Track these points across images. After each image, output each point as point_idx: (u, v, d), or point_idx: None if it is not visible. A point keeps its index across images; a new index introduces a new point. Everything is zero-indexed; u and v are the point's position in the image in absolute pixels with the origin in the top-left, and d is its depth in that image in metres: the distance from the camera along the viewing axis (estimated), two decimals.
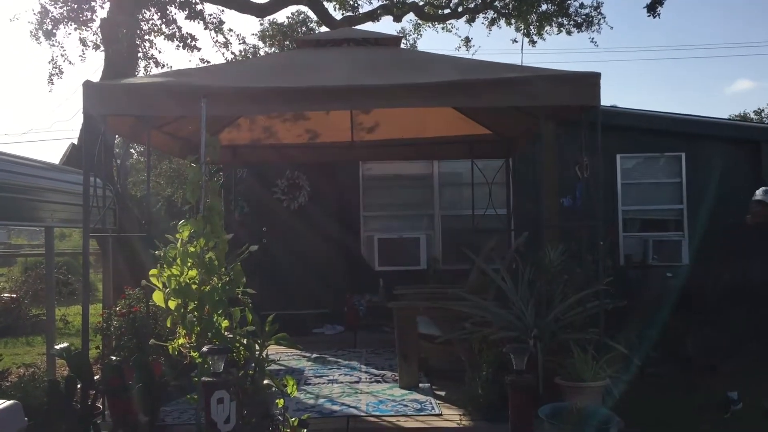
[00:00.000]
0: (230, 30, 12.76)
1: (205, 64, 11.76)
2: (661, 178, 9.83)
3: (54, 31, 10.69)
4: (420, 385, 6.10)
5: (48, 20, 10.61)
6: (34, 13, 10.65)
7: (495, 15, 14.02)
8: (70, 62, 11.20)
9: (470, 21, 14.32)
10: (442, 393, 5.87)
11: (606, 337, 4.90)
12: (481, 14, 14.12)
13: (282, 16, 16.70)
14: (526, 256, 5.70)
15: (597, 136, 4.94)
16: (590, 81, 4.85)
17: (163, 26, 11.63)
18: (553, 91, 4.87)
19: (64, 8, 10.57)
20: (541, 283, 5.09)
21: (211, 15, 12.20)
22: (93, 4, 10.65)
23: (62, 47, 11.07)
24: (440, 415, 5.23)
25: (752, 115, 36.97)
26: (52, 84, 11.16)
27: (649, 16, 11.30)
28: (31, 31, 10.71)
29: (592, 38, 13.75)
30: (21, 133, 77.38)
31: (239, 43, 13.56)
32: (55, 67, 11.02)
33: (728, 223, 6.92)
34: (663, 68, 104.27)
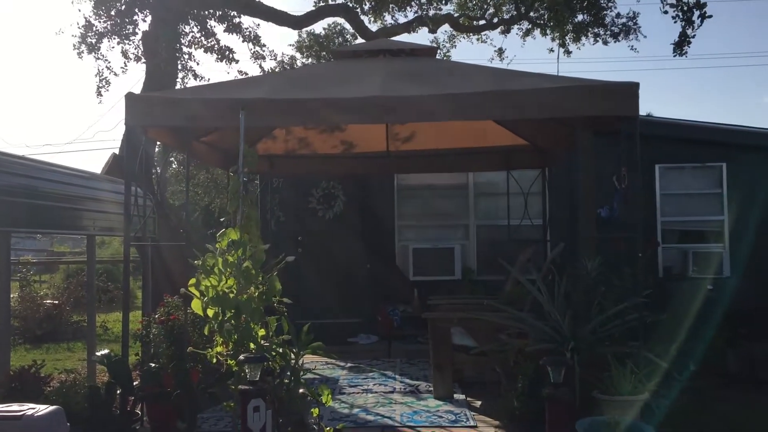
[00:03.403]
0: (264, 46, 12.90)
1: (243, 76, 11.93)
2: (701, 189, 9.64)
3: (98, 45, 10.94)
4: (455, 396, 6.07)
5: (92, 34, 10.86)
6: (79, 27, 10.92)
7: (530, 26, 13.95)
8: (116, 74, 11.42)
9: (505, 32, 14.27)
10: (477, 404, 5.84)
11: (645, 351, 4.82)
12: (516, 25, 14.06)
13: (319, 27, 16.83)
14: (563, 267, 5.64)
15: (635, 146, 4.88)
16: (628, 91, 4.79)
17: (203, 39, 11.83)
18: (591, 102, 4.83)
19: (108, 22, 10.83)
20: (578, 294, 5.03)
21: (248, 28, 12.39)
22: (135, 17, 10.89)
23: (107, 60, 11.31)
24: (475, 427, 5.20)
25: None
26: (101, 96, 11.43)
27: (675, 55, 11.02)
28: (74, 44, 10.96)
29: (632, 46, 13.65)
30: (65, 143, 79.32)
31: (270, 59, 13.72)
32: (102, 80, 11.30)
33: None
34: (703, 76, 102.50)
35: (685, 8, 9.89)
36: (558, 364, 4.33)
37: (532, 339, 5.12)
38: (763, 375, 6.76)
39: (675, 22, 10.13)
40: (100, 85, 11.27)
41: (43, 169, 6.16)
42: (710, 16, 9.64)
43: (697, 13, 9.73)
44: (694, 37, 10.12)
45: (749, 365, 6.85)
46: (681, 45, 10.55)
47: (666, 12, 10.11)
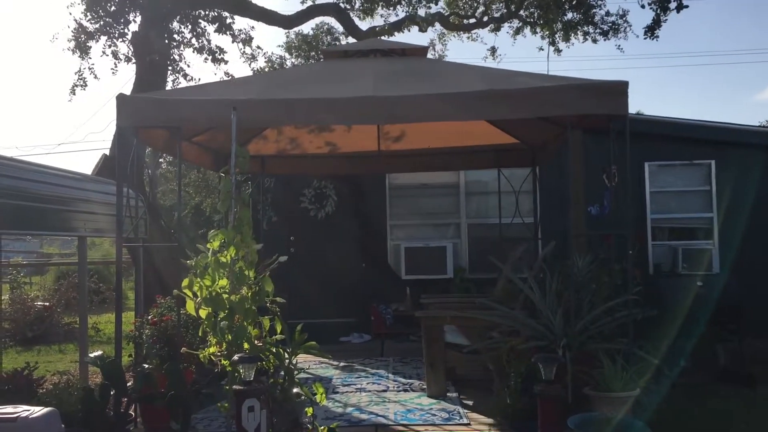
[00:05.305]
0: (258, 47, 12.98)
1: (232, 77, 11.92)
2: (690, 186, 9.70)
3: (87, 44, 10.92)
4: (448, 394, 6.10)
5: (83, 36, 10.84)
6: (70, 29, 10.90)
7: (520, 24, 14.00)
8: (96, 77, 11.45)
9: (495, 30, 14.32)
10: (470, 402, 5.87)
11: (635, 347, 4.86)
12: (506, 23, 14.12)
13: (307, 27, 16.82)
14: (554, 265, 5.68)
15: (625, 144, 4.92)
16: (618, 89, 4.83)
17: (193, 39, 11.83)
18: (581, 101, 4.85)
19: (99, 23, 10.80)
20: (569, 292, 5.06)
21: (240, 30, 12.40)
22: (126, 17, 10.85)
23: (91, 60, 11.38)
24: (468, 425, 5.22)
25: None
26: (74, 95, 11.50)
27: (645, 38, 11.34)
28: (69, 48, 10.96)
29: (619, 45, 13.74)
30: (56, 144, 78.84)
31: (264, 60, 13.77)
32: (80, 79, 11.30)
33: None
34: (691, 75, 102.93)
35: None
36: (549, 361, 4.36)
37: (524, 337, 5.15)
38: (752, 370, 6.81)
39: (651, 8, 10.43)
40: (77, 83, 11.28)
41: (34, 171, 6.14)
42: (686, 6, 9.86)
43: (674, 4, 9.96)
44: (665, 21, 10.46)
45: (739, 361, 6.91)
46: (653, 29, 10.83)
47: (643, 6, 10.39)
